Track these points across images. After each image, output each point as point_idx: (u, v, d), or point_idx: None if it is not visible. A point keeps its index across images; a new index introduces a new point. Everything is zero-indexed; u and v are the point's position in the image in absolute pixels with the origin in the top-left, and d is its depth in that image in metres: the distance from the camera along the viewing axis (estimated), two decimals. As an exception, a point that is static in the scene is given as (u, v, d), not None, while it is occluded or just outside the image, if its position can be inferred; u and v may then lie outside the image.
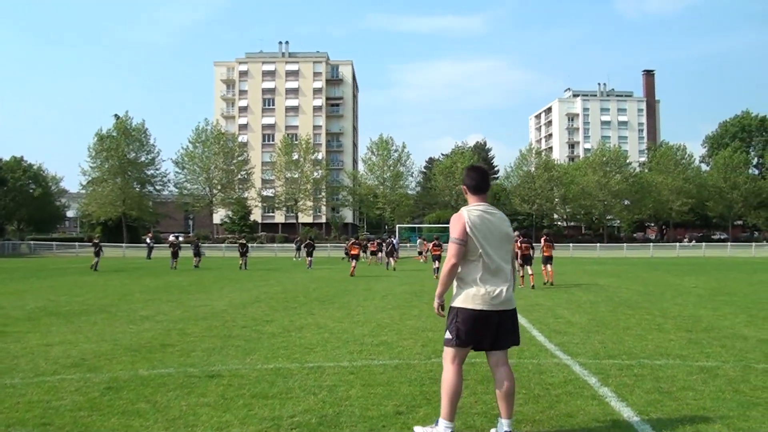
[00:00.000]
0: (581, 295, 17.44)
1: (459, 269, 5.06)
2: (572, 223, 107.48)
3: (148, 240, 56.15)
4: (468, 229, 5.03)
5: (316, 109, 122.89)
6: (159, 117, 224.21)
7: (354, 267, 28.94)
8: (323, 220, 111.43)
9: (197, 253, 38.27)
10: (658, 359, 8.12)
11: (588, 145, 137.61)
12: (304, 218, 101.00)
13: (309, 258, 36.73)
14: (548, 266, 21.83)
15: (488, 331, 5.04)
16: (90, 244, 42.64)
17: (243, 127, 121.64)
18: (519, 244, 20.55)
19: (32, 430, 5.34)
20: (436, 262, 28.54)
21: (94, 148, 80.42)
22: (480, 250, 5.02)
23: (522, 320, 12.04)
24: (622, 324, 11.52)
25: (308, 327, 11.35)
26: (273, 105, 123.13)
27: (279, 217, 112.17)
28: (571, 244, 62.96)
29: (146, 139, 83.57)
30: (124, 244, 67.34)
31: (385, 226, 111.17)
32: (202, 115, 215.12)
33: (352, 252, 30.99)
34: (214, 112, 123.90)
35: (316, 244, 41.59)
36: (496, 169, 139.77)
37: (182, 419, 5.61)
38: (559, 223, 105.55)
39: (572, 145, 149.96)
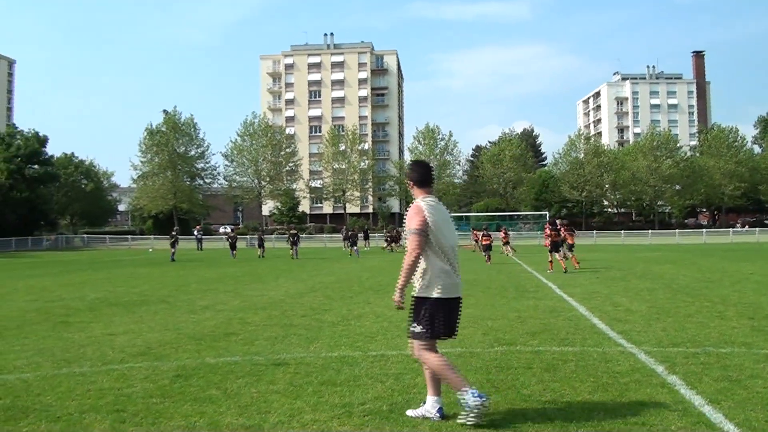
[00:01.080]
0: (638, 283, 17.18)
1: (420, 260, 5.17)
2: (622, 210, 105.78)
3: (195, 232, 57.26)
4: (428, 220, 5.20)
5: (362, 99, 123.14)
6: (208, 112, 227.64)
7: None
8: (370, 210, 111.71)
9: (261, 244, 40.26)
10: (723, 347, 7.98)
11: (638, 130, 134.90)
12: (352, 208, 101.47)
13: (354, 247, 39.11)
14: (568, 254, 22.78)
15: (454, 319, 5.33)
16: (141, 236, 44.31)
17: (290, 120, 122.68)
18: (549, 231, 22.61)
19: (106, 416, 5.43)
20: (487, 251, 28.81)
21: (144, 143, 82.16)
22: (440, 239, 5.21)
23: (581, 308, 11.98)
24: (683, 311, 11.32)
25: (366, 316, 11.44)
26: (319, 97, 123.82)
27: (327, 208, 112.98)
28: (622, 232, 62.02)
29: (195, 133, 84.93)
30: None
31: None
32: (250, 108, 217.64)
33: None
34: (261, 105, 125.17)
35: (369, 234, 43.79)
36: (543, 155, 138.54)
37: (254, 406, 5.70)
38: (609, 210, 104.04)
39: (621, 130, 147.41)
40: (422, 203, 5.35)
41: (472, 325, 10.14)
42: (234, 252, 39.23)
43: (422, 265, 5.19)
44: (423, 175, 5.56)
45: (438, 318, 5.17)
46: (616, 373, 6.75)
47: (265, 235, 46.58)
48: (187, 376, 6.82)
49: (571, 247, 23.15)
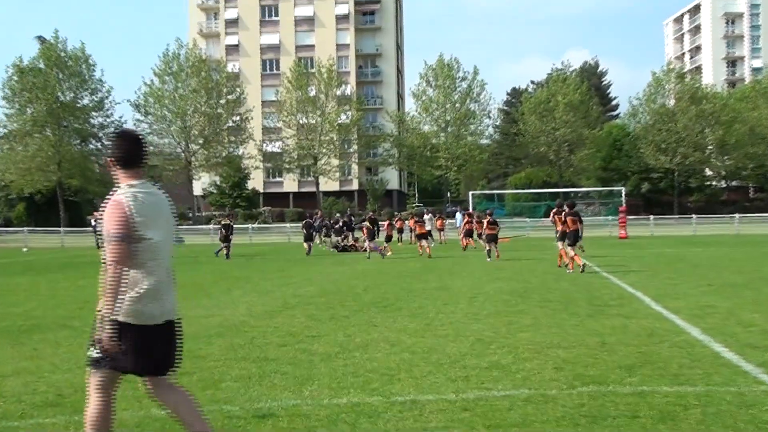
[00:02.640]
0: (773, 292, 17.50)
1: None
2: (734, 183, 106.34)
3: (93, 222, 56.75)
4: (131, 220, 5.37)
5: (341, 19, 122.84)
6: (108, 40, 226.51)
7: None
8: (355, 186, 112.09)
9: (227, 238, 39.84)
10: None
11: (758, 62, 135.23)
12: (328, 184, 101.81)
13: (310, 242, 40.88)
14: (572, 248, 24.90)
15: (165, 351, 5.62)
16: (6, 228, 43.95)
17: (232, 50, 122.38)
18: (561, 217, 25.54)
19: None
20: (491, 244, 32.07)
21: (9, 87, 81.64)
22: (151, 245, 5.45)
23: (693, 330, 12.18)
24: None
25: (375, 344, 11.61)
26: (276, 15, 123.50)
27: (290, 184, 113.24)
28: (735, 215, 62.02)
29: (89, 71, 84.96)
30: (61, 228, 67.69)
31: (448, 194, 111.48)
32: (173, 34, 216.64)
33: (419, 231, 36.93)
34: (188, 28, 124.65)
35: (353, 223, 44.21)
36: (614, 101, 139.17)
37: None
38: (714, 183, 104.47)
39: (733, 63, 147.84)
40: (123, 195, 5.47)
41: (534, 355, 10.31)
42: (228, 252, 39.03)
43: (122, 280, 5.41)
44: (129, 152, 5.66)
45: (131, 347, 5.38)
46: (763, 422, 6.94)
47: (185, 226, 46.67)
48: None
49: (576, 237, 25.12)
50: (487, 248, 32.15)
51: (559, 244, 25.84)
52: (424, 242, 37.17)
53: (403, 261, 32.90)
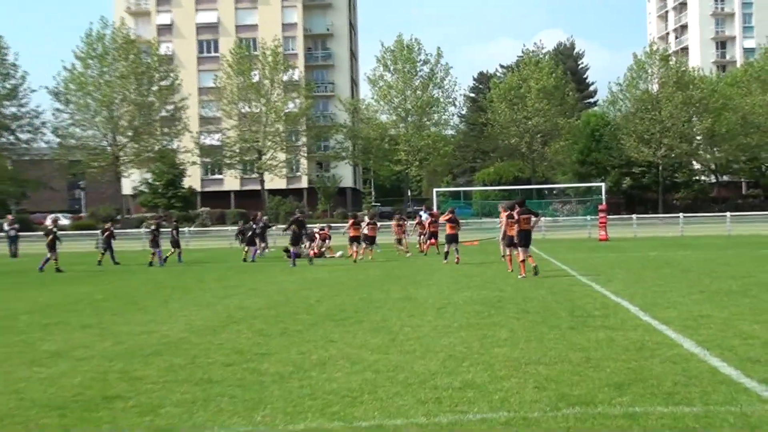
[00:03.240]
0: (772, 298, 17.70)
1: None
2: (725, 178, 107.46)
3: (6, 227, 56.60)
4: None
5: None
6: (22, 21, 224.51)
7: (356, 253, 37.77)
8: (304, 183, 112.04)
9: (176, 242, 41.95)
10: None
11: (751, 43, 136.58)
12: (274, 182, 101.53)
13: (253, 246, 41.98)
14: (525, 249, 25.97)
15: None
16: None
17: (165, 30, 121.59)
18: (515, 218, 26.39)
19: None
20: (451, 245, 33.81)
21: None
22: None
23: (686, 343, 12.30)
24: None
25: (334, 362, 11.58)
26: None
27: (231, 182, 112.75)
28: (727, 214, 62.47)
29: (0, 54, 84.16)
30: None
31: (409, 192, 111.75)
32: (96, 12, 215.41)
33: (352, 234, 38.71)
34: (114, 6, 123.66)
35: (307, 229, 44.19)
36: (592, 87, 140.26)
37: None
38: (702, 178, 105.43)
39: (723, 43, 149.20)
40: None
41: (512, 373, 10.33)
42: (53, 254, 37.59)
43: None
44: None
45: None
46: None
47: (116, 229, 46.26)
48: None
49: (525, 240, 26.19)
50: (446, 249, 33.78)
51: (507, 250, 27.71)
52: (355, 246, 38.45)
53: (361, 268, 32.97)
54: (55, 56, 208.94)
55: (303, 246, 38.96)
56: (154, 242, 39.50)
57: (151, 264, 38.38)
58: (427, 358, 11.64)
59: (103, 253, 41.12)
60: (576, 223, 68.61)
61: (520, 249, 25.63)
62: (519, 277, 24.75)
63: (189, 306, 20.07)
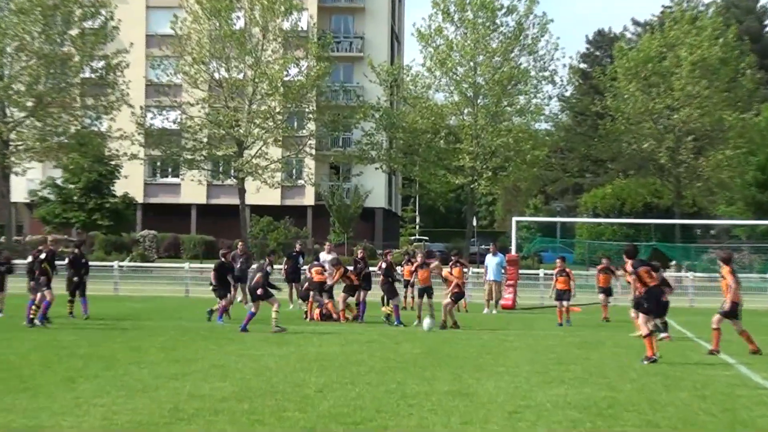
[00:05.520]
0: None
1: None
2: None
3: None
4: None
5: None
6: None
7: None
8: (309, 198, 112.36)
9: (71, 281, 41.27)
10: None
11: None
12: (263, 193, 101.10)
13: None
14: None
15: None
16: None
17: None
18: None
19: None
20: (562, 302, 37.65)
21: None
22: None
23: None
24: None
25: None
26: None
27: (193, 190, 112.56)
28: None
29: None
30: None
31: (473, 221, 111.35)
32: None
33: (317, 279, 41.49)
34: None
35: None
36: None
37: None
38: None
39: None
40: None
41: None
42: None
43: None
44: None
45: None
46: None
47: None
48: None
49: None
50: (559, 309, 37.32)
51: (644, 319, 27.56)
52: (324, 298, 40.67)
53: (394, 339, 33.07)
54: None
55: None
56: (38, 280, 37.70)
57: (32, 322, 36.69)
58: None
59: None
60: (749, 283, 68.25)
61: (651, 318, 26.70)
62: (643, 362, 25.20)
63: (111, 389, 19.58)
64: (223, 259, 42.94)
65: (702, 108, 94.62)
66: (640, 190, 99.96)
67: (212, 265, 46.97)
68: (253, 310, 36.38)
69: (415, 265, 41.74)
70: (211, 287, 43.99)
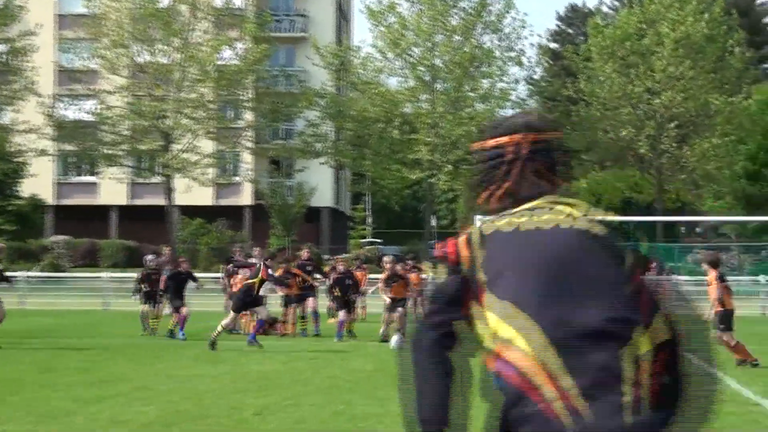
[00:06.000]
0: None
1: None
2: None
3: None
4: None
5: None
6: None
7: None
8: (247, 197, 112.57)
9: None
10: None
11: None
12: (195, 192, 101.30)
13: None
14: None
15: None
16: None
17: None
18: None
19: None
20: None
21: None
22: None
23: None
24: None
25: None
26: None
27: (112, 190, 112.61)
28: None
29: None
30: None
31: (432, 219, 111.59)
32: None
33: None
34: None
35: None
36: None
37: None
38: None
39: None
40: None
41: None
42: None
43: None
44: None
45: None
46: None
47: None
48: None
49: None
50: None
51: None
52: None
53: (342, 354, 33.51)
54: None
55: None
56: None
57: None
58: None
59: None
60: (740, 286, 68.04)
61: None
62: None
63: (18, 416, 19.13)
64: (180, 268, 43.20)
65: (686, 91, 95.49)
66: (618, 183, 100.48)
67: (135, 275, 47.21)
68: (260, 317, 37.29)
69: (385, 276, 41.77)
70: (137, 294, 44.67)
